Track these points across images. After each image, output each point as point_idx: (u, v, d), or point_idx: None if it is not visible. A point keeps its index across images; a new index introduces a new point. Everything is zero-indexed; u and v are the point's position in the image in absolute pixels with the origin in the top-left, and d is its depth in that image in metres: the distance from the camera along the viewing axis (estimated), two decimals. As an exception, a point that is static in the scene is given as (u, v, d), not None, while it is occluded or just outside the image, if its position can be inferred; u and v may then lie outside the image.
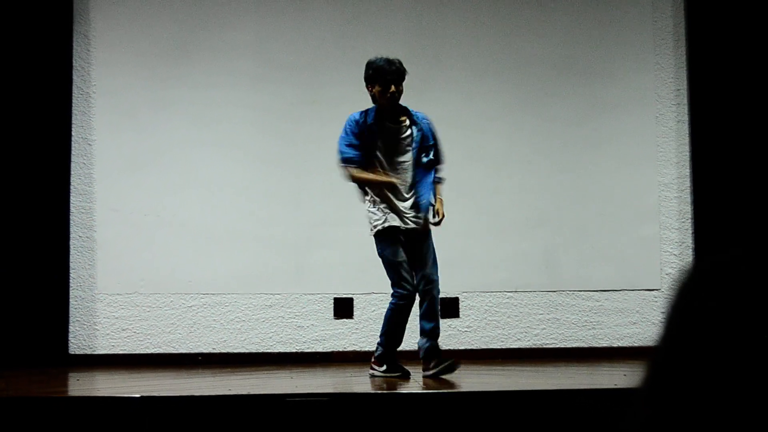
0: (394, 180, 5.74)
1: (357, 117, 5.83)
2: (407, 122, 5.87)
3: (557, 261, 7.89)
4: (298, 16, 7.96)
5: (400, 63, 5.80)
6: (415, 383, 5.53)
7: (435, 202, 5.82)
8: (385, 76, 5.72)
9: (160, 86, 7.86)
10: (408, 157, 5.83)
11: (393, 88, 5.72)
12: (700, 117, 7.86)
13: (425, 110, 7.76)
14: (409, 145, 5.84)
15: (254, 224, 7.79)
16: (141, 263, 7.73)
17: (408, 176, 5.82)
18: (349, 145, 5.78)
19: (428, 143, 5.89)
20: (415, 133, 5.84)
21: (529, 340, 7.84)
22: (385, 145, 5.81)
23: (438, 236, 7.78)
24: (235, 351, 7.70)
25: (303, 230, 7.77)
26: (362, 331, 7.62)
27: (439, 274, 5.84)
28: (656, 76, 8.06)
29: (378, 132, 5.78)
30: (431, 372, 5.71)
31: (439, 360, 5.76)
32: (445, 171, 6.01)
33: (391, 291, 5.75)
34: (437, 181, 5.91)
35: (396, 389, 5.28)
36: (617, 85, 8.04)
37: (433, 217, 5.79)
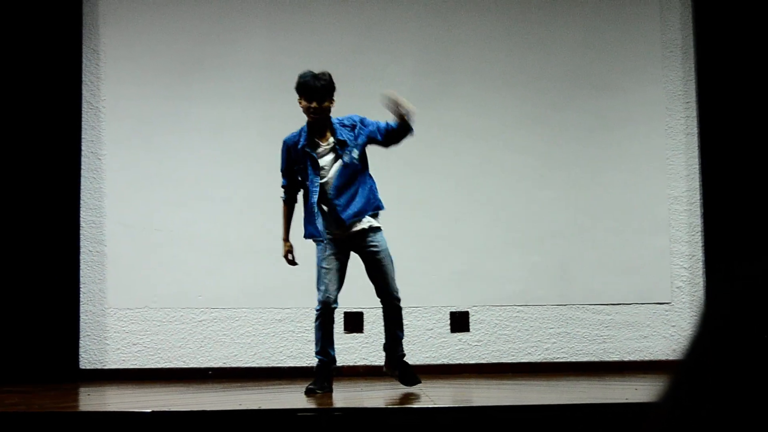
0: (286, 249, 5.93)
1: (289, 137, 5.83)
2: (331, 140, 5.76)
3: (569, 274, 7.88)
4: (309, 30, 7.97)
5: (327, 78, 5.69)
6: (426, 397, 5.52)
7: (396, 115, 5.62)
8: (309, 92, 5.65)
9: (169, 100, 7.88)
10: (336, 169, 5.73)
11: (315, 103, 5.65)
12: (709, 130, 7.85)
13: (436, 122, 7.77)
14: (336, 159, 5.74)
15: (264, 238, 7.78)
16: (151, 278, 7.73)
17: (340, 190, 5.74)
18: (282, 172, 5.89)
19: (349, 147, 5.74)
20: (336, 142, 5.74)
21: (539, 354, 7.82)
22: (313, 166, 5.73)
23: (448, 250, 7.79)
24: (246, 365, 7.70)
25: (313, 245, 7.76)
26: (372, 345, 7.60)
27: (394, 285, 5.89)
28: (665, 89, 8.06)
29: (308, 153, 5.73)
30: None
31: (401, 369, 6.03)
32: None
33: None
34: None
35: (407, 404, 5.27)
36: (626, 98, 8.04)
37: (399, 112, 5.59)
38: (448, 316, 7.72)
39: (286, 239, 5.97)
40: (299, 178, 5.83)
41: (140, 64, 7.91)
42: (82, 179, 7.75)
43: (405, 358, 6.04)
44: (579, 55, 8.07)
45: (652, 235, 7.93)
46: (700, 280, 7.89)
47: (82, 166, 7.75)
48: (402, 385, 5.95)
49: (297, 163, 5.77)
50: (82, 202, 7.74)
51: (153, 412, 4.69)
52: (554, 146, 7.98)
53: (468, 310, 7.78)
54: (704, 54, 7.93)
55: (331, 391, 5.83)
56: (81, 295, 7.67)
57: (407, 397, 5.58)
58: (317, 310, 5.81)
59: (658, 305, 7.87)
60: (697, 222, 7.93)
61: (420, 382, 5.97)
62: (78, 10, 7.81)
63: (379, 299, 5.95)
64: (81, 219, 7.72)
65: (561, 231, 7.91)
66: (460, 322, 7.73)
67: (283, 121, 7.85)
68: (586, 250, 7.90)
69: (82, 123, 7.78)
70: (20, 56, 7.58)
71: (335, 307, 5.83)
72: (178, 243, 7.77)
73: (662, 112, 8.04)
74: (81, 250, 7.70)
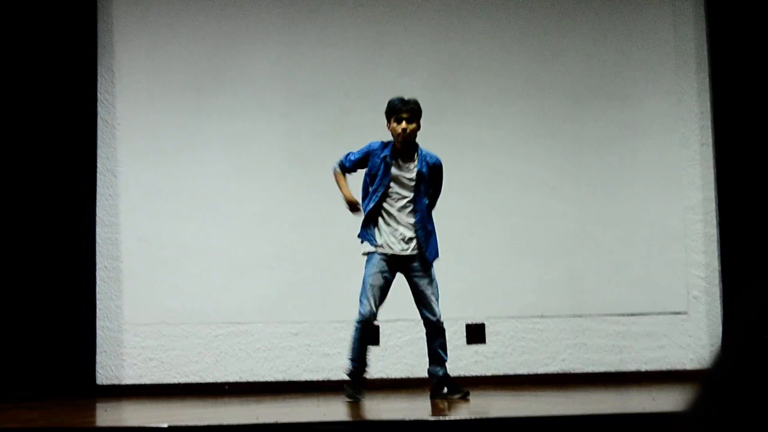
0: (352, 201, 6.07)
1: (376, 144, 6.12)
2: (416, 162, 6.06)
3: (583, 285, 7.86)
4: (322, 46, 7.99)
5: (416, 103, 6.03)
6: (442, 409, 5.51)
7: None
8: (398, 114, 5.95)
9: (184, 117, 7.91)
10: (409, 194, 6.03)
11: (404, 124, 5.93)
12: (724, 139, 7.83)
13: (448, 135, 7.78)
14: (414, 188, 6.02)
15: (280, 253, 7.80)
16: (167, 293, 7.75)
17: (407, 213, 6.04)
18: (353, 159, 6.15)
19: (428, 185, 6.08)
20: (417, 173, 6.03)
21: (556, 366, 7.79)
22: (393, 181, 6.03)
23: (463, 262, 7.77)
24: (262, 379, 7.70)
25: (328, 258, 7.77)
26: (389, 358, 7.60)
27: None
28: (679, 99, 8.04)
29: (389, 167, 6.02)
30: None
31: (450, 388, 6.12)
32: (438, 209, 6.24)
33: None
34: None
35: (424, 416, 5.26)
36: (640, 109, 8.02)
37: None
38: (464, 328, 7.71)
39: (348, 194, 6.14)
40: (368, 182, 6.12)
41: (155, 81, 7.95)
42: (98, 196, 7.78)
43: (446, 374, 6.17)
44: (591, 66, 8.06)
45: (668, 245, 7.90)
46: (716, 290, 7.85)
47: (98, 183, 7.79)
48: (429, 399, 6.02)
49: (373, 168, 6.06)
50: (98, 218, 7.77)
51: (170, 427, 4.69)
52: (568, 158, 7.97)
53: (484, 321, 7.77)
54: (718, 63, 7.91)
55: (362, 399, 6.00)
56: (97, 311, 7.69)
57: (424, 410, 5.57)
58: (358, 323, 6.02)
59: (675, 315, 7.84)
60: (713, 232, 7.90)
61: (468, 394, 6.04)
62: (93, 29, 7.85)
63: (422, 321, 6.09)
64: (97, 235, 7.75)
65: (576, 242, 7.89)
66: (476, 333, 7.71)
67: (296, 134, 7.90)
68: (602, 260, 7.88)
69: (98, 140, 7.82)
70: (36, 75, 7.62)
71: (375, 321, 6.09)
72: (193, 258, 7.79)
73: (677, 122, 8.02)
74: (97, 266, 7.73)
